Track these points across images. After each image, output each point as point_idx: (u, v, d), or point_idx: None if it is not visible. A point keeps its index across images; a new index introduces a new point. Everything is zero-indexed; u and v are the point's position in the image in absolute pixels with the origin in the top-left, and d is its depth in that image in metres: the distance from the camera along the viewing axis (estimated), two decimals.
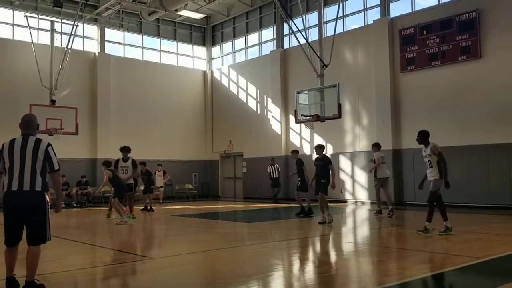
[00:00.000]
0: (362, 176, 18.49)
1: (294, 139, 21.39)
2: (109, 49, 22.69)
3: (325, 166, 11.68)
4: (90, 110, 21.39)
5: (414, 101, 17.23)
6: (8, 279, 4.94)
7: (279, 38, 22.38)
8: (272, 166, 20.04)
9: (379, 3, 18.57)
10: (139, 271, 6.67)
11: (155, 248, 9.11)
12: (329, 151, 19.51)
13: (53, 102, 18.55)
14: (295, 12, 20.86)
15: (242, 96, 23.88)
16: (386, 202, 13.24)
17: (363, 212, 15.59)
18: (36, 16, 20.13)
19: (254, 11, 23.68)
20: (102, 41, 22.35)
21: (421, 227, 8.93)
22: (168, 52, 24.80)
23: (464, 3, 15.90)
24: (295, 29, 17.47)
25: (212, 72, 25.67)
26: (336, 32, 15.63)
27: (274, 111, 21.99)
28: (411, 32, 17.16)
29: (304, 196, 13.82)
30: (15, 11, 19.95)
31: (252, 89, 23.35)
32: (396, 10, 18.27)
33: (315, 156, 12.56)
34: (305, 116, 15.00)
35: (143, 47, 23.94)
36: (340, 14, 18.88)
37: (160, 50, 24.53)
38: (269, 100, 22.33)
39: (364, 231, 11.55)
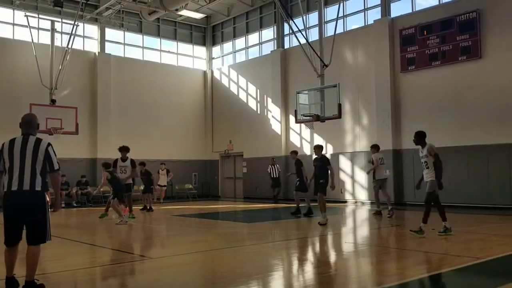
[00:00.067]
0: (362, 176, 18.48)
1: (294, 139, 21.39)
2: (109, 49, 22.70)
3: (324, 166, 11.68)
4: (90, 110, 21.40)
5: (414, 101, 17.23)
6: (8, 278, 4.94)
7: (280, 38, 22.38)
8: (273, 166, 20.04)
9: (379, 3, 18.57)
10: (139, 271, 6.67)
11: (155, 248, 9.10)
12: (329, 151, 19.54)
13: (53, 101, 18.57)
14: (295, 12, 20.86)
15: (242, 96, 23.88)
16: (386, 202, 13.28)
17: (363, 213, 15.59)
18: (36, 15, 20.13)
19: (255, 11, 23.68)
20: (102, 41, 22.36)
21: (417, 228, 8.90)
22: (168, 52, 24.80)
23: (465, 3, 15.90)
24: (295, 29, 17.48)
25: (212, 72, 25.68)
26: (336, 32, 15.67)
27: (274, 111, 21.99)
28: (412, 32, 17.16)
29: (304, 196, 13.87)
30: (15, 11, 19.96)
31: (252, 89, 23.35)
32: (396, 10, 18.30)
33: (314, 156, 12.56)
34: (305, 116, 15.00)
35: (143, 47, 23.94)
36: (341, 14, 18.88)
37: (160, 50, 24.53)
38: (269, 100, 22.33)
39: (364, 231, 11.55)
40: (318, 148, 12.08)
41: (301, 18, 17.27)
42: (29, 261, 4.89)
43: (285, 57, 21.97)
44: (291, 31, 20.56)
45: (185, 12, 22.53)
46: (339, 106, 14.05)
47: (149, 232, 11.73)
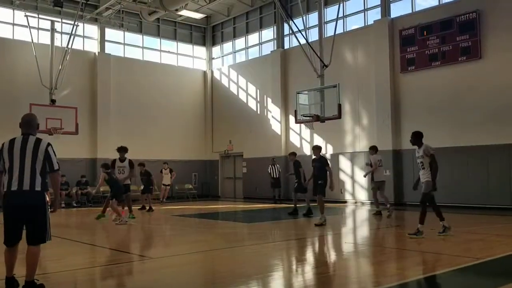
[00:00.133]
0: (362, 177, 18.42)
1: (294, 139, 21.39)
2: (109, 49, 22.69)
3: (322, 167, 11.69)
4: (90, 110, 21.39)
5: (414, 102, 17.23)
6: (8, 278, 4.94)
7: (279, 38, 22.39)
8: (273, 166, 20.04)
9: (379, 3, 18.57)
10: (139, 271, 6.67)
11: (155, 248, 9.10)
12: (329, 151, 19.56)
13: (53, 101, 18.56)
14: (295, 12, 20.86)
15: (242, 96, 23.88)
16: (384, 202, 13.32)
17: (363, 213, 15.59)
18: (36, 15, 20.12)
19: (255, 11, 23.68)
20: (102, 41, 22.35)
21: (414, 230, 8.88)
22: (168, 52, 24.80)
23: (465, 4, 15.91)
24: (295, 29, 17.48)
25: (212, 72, 25.67)
26: (336, 33, 15.65)
27: (274, 111, 21.99)
28: (411, 32, 17.16)
29: (303, 197, 13.91)
30: (15, 11, 19.96)
31: (252, 89, 23.35)
32: (396, 11, 18.30)
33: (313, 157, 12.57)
34: (305, 116, 15.00)
35: (143, 47, 23.94)
36: (341, 15, 18.88)
37: (160, 50, 24.52)
38: (269, 100, 22.33)
39: (363, 231, 11.55)
40: (316, 149, 12.11)
41: (301, 18, 17.26)
42: (29, 261, 4.89)
43: (285, 57, 21.97)
44: (291, 31, 20.56)
45: (185, 12, 22.53)
46: (339, 106, 14.06)
47: (149, 232, 11.72)
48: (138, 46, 23.83)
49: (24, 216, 4.92)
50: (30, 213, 4.91)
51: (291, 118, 19.92)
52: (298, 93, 15.47)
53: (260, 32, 23.68)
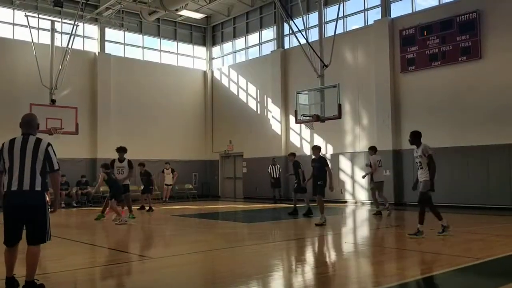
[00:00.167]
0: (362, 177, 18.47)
1: (294, 139, 21.39)
2: (109, 49, 22.69)
3: (322, 167, 11.69)
4: (90, 110, 21.39)
5: (414, 102, 17.23)
6: (8, 278, 4.94)
7: (280, 38, 22.39)
8: (273, 166, 20.05)
9: (379, 3, 18.57)
10: (139, 271, 6.67)
11: (155, 248, 9.10)
12: (329, 151, 19.56)
13: (53, 101, 18.56)
14: (295, 12, 20.86)
15: (242, 96, 23.88)
16: (383, 202, 13.33)
17: (363, 213, 15.59)
18: (36, 15, 20.12)
19: (255, 11, 23.68)
20: (102, 41, 22.35)
21: (414, 230, 8.88)
22: (168, 52, 24.80)
23: (465, 4, 15.91)
24: (295, 29, 17.47)
25: (212, 72, 25.67)
26: (336, 32, 15.66)
27: (274, 111, 21.99)
28: (412, 32, 17.16)
29: (303, 197, 13.92)
30: (15, 11, 19.96)
31: (252, 89, 23.35)
32: (396, 11, 18.30)
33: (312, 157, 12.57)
34: (305, 116, 15.01)
35: (143, 47, 23.94)
36: (341, 15, 18.88)
37: (161, 50, 24.52)
38: (269, 100, 22.33)
39: (363, 231, 11.55)
40: (316, 149, 12.11)
41: (301, 18, 17.26)
42: (29, 261, 4.89)
43: (285, 57, 21.97)
44: (291, 31, 20.57)
45: (185, 12, 22.53)
46: (339, 106, 14.06)
47: (149, 232, 11.72)
48: (138, 46, 23.83)
49: (24, 216, 4.91)
50: (30, 213, 4.91)
51: (291, 118, 19.93)
52: (298, 93, 15.47)
53: (260, 32, 23.68)
